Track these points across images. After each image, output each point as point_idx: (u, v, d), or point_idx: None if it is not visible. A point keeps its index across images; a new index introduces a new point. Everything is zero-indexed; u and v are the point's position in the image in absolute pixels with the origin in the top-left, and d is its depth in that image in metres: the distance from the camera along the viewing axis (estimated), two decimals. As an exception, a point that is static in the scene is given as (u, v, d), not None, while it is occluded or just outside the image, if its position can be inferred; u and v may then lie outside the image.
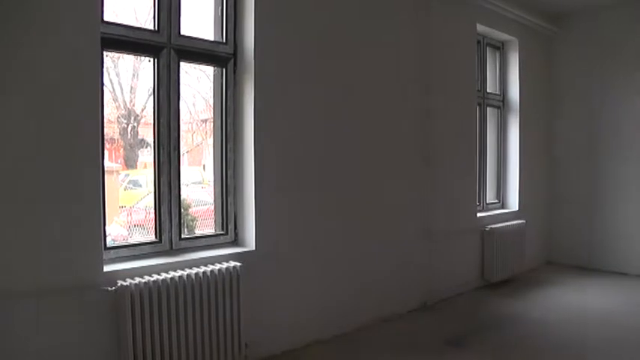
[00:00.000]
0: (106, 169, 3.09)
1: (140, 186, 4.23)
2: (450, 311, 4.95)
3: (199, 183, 4.43)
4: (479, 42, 5.95)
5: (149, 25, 3.39)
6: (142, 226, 3.70)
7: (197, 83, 4.05)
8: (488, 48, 6.19)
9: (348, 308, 4.29)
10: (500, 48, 6.40)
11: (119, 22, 3.21)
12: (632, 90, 6.23)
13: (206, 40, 3.64)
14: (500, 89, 6.41)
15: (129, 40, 3.22)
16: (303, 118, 3.95)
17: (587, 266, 6.61)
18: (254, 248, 3.67)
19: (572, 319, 4.71)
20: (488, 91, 6.16)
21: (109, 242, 3.26)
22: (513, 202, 6.41)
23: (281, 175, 3.83)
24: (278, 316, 3.79)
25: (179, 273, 3.16)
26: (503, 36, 6.21)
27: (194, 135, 4.36)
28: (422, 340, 4.19)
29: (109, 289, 2.90)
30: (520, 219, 6.24)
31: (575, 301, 5.26)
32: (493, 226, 5.75)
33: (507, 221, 6.03)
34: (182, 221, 3.54)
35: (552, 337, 4.23)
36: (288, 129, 3.86)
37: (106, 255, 3.06)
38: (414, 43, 4.89)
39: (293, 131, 3.89)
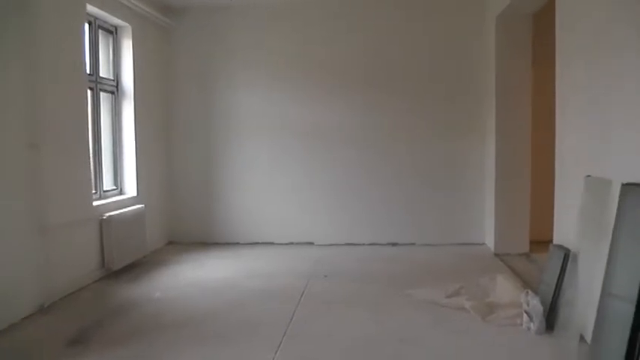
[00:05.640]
0: None
1: None
2: (70, 309, 4.69)
3: None
4: (90, 23, 5.70)
5: None
6: None
7: None
8: (100, 31, 6.01)
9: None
10: (114, 33, 6.30)
11: None
12: (243, 82, 7.25)
13: None
14: (114, 74, 6.33)
15: None
16: None
17: (206, 241, 7.37)
18: None
19: (195, 291, 5.13)
20: (101, 75, 6.00)
21: None
22: (131, 188, 6.50)
23: None
24: None
25: None
26: (117, 21, 6.13)
27: None
28: (40, 346, 3.86)
29: None
30: (139, 204, 6.38)
31: (196, 275, 5.77)
32: (111, 213, 5.69)
33: (126, 207, 6.08)
34: None
35: (174, 313, 4.51)
36: None
37: None
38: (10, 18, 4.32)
39: None
